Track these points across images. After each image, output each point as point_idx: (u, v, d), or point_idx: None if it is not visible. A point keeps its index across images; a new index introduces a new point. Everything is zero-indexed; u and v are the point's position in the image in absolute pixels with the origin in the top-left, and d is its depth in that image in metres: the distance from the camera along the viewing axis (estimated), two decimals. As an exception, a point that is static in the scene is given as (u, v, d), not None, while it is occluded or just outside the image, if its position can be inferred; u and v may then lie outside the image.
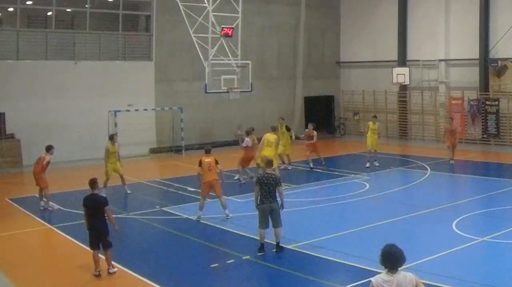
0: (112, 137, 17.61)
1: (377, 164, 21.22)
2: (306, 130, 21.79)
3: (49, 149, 16.05)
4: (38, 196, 16.07)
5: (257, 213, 11.54)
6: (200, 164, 14.25)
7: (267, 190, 11.27)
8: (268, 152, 18.06)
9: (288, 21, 31.52)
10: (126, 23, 26.86)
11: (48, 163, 15.94)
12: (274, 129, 19.10)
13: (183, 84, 27.68)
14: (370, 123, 21.79)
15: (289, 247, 11.62)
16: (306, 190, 17.93)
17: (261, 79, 28.78)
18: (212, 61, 20.84)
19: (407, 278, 5.67)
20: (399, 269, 5.71)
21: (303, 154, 21.66)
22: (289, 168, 21.36)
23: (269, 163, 12.03)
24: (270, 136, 18.51)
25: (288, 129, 21.99)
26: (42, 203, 15.81)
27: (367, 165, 21.13)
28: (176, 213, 15.17)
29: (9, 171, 22.17)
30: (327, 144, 30.68)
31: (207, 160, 14.22)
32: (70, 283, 10.15)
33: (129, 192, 17.51)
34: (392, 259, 5.68)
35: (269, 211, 11.30)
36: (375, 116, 22.56)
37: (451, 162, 21.19)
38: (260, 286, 10.29)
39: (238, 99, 22.77)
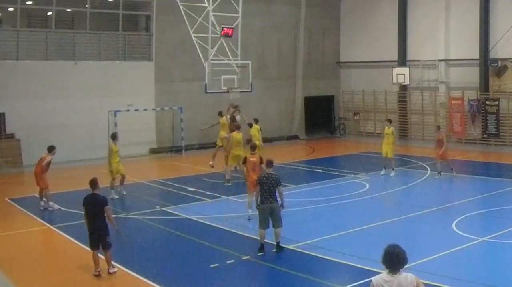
0: (114, 136, 17.33)
1: (392, 174, 19.56)
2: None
3: (50, 149, 16.03)
4: (38, 196, 16.07)
5: (257, 213, 11.54)
6: (245, 161, 14.20)
7: (267, 190, 11.27)
8: (239, 151, 18.37)
9: (288, 21, 31.53)
10: (126, 23, 26.85)
11: (49, 163, 15.92)
12: (238, 128, 19.07)
13: (183, 84, 27.68)
14: (386, 128, 20.14)
15: (289, 247, 11.62)
16: (306, 190, 17.93)
17: (261, 79, 28.78)
18: (212, 61, 20.83)
19: (408, 279, 5.67)
20: (400, 270, 5.70)
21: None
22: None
23: (270, 163, 12.02)
24: (237, 136, 18.65)
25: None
26: (42, 203, 15.80)
27: (381, 172, 19.90)
28: (176, 213, 15.16)
29: (9, 171, 22.16)
30: (327, 143, 30.74)
31: (253, 159, 14.07)
32: (70, 283, 10.15)
33: (124, 193, 17.25)
34: (394, 259, 5.68)
35: (269, 211, 11.30)
36: (389, 120, 20.69)
37: (436, 176, 19.01)
38: (260, 286, 10.30)
39: (238, 99, 22.74)
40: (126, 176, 17.37)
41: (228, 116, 20.86)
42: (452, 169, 19.20)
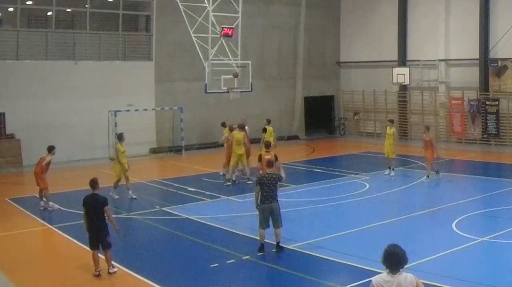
0: (121, 137, 16.94)
1: (393, 174, 19.47)
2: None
3: (50, 149, 15.99)
4: (38, 196, 16.05)
5: (258, 213, 11.52)
6: (260, 159, 14.19)
7: (267, 190, 11.25)
8: (241, 150, 18.55)
9: (288, 21, 31.53)
10: (126, 23, 26.86)
11: (49, 163, 15.89)
12: (241, 127, 19.13)
13: (183, 84, 27.68)
14: (387, 128, 20.05)
15: (289, 247, 11.61)
16: (306, 190, 17.93)
17: (261, 79, 28.78)
18: (212, 61, 20.82)
19: (407, 279, 5.66)
20: (400, 270, 5.70)
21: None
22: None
23: (270, 163, 12.00)
24: (238, 135, 18.76)
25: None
26: (42, 203, 15.79)
27: (386, 172, 19.78)
28: (176, 213, 15.15)
29: (9, 171, 22.16)
30: (327, 143, 30.73)
31: (267, 157, 14.00)
32: (70, 283, 10.15)
33: (134, 197, 16.78)
34: (394, 259, 5.68)
35: (269, 211, 11.28)
36: (391, 121, 20.62)
37: (435, 177, 18.62)
38: (260, 286, 10.29)
39: (238, 99, 22.76)
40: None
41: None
42: (427, 176, 18.53)
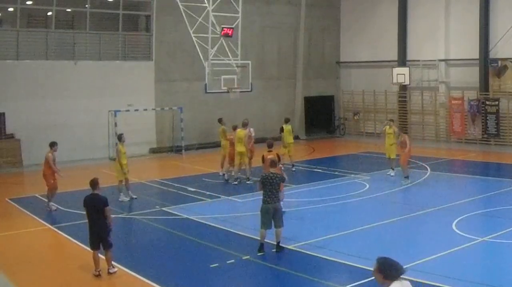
0: (120, 138, 16.86)
1: (393, 174, 19.30)
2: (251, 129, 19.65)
3: (51, 145, 15.84)
4: (46, 196, 15.97)
5: (259, 213, 11.51)
6: (263, 160, 14.23)
7: (271, 190, 11.25)
8: (241, 148, 18.75)
9: (288, 21, 31.53)
10: (126, 23, 26.86)
11: (50, 160, 15.72)
12: (244, 125, 19.27)
13: (183, 84, 27.69)
14: (387, 127, 19.94)
15: (289, 247, 11.61)
16: (306, 190, 17.93)
17: (261, 79, 28.79)
18: (212, 61, 20.83)
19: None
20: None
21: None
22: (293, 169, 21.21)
23: (274, 162, 12.00)
24: (240, 133, 19.01)
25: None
26: (50, 204, 15.69)
27: (389, 172, 19.64)
28: (176, 213, 15.16)
29: (9, 171, 22.17)
30: (327, 143, 30.73)
31: (270, 156, 13.97)
32: (70, 283, 10.15)
33: (134, 197, 16.87)
34: (397, 268, 5.61)
35: (273, 211, 11.28)
36: (391, 120, 20.64)
37: (404, 183, 17.99)
38: (260, 286, 10.30)
39: (238, 99, 22.75)
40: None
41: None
42: (407, 177, 18.13)
